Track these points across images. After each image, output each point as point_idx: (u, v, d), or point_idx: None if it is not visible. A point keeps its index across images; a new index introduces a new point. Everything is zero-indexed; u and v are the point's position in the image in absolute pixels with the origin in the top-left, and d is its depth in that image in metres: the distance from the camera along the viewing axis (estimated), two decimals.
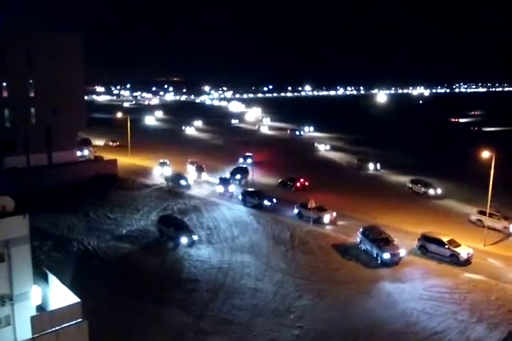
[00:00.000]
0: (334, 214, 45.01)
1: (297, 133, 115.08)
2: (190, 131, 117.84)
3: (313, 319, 27.28)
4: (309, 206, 43.21)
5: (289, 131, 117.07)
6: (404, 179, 60.59)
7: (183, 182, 57.85)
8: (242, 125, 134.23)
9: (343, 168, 73.51)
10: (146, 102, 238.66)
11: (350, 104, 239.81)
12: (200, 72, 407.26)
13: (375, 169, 69.83)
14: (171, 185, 57.86)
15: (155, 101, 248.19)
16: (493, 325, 26.58)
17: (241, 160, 72.70)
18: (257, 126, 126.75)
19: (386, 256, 34.21)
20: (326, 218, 44.39)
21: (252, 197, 49.88)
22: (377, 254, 35.01)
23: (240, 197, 51.04)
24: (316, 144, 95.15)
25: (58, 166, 57.91)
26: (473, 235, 40.25)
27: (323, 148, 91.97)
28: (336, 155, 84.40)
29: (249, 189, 53.17)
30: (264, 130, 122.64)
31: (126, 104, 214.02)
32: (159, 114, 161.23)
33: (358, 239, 38.30)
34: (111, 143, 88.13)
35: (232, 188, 53.96)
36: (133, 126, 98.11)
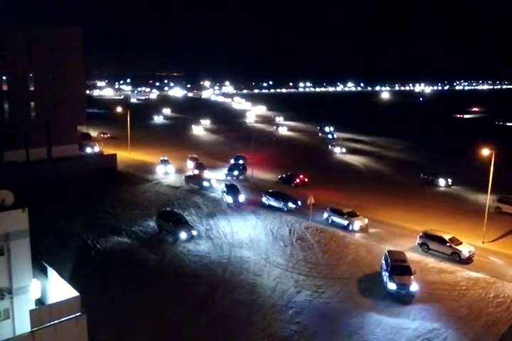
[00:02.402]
0: (366, 220, 42.06)
1: (329, 135, 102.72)
2: (198, 130, 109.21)
3: (311, 314, 27.33)
4: (308, 202, 43.02)
5: (320, 134, 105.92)
6: (484, 197, 47.87)
7: (205, 184, 54.96)
8: (257, 125, 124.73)
9: (402, 182, 61.00)
10: (144, 97, 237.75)
11: (355, 101, 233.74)
12: (200, 67, 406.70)
13: (447, 185, 58.69)
14: (193, 186, 55.34)
15: (153, 95, 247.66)
16: (492, 322, 26.66)
17: (232, 161, 67.68)
18: (274, 127, 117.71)
19: (391, 286, 29.53)
20: (356, 225, 41.20)
21: (276, 199, 47.25)
22: (385, 283, 30.56)
23: (263, 198, 48.53)
24: (330, 146, 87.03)
25: (58, 160, 57.87)
26: (472, 232, 40.30)
27: (338, 151, 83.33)
28: (361, 161, 75.97)
29: (272, 190, 50.22)
30: (283, 131, 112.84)
31: (133, 100, 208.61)
32: (167, 111, 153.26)
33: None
34: (102, 135, 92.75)
35: (242, 198, 48.58)
36: (139, 123, 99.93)
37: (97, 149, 73.96)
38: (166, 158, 66.28)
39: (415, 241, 37.71)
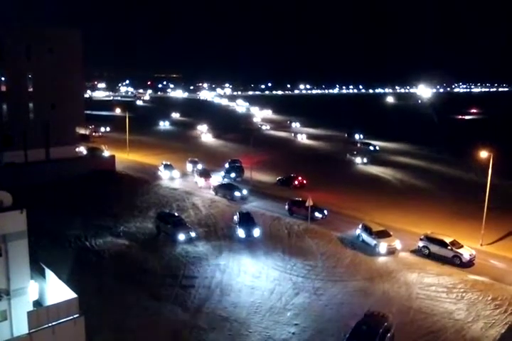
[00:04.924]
0: (397, 242, 36.82)
1: (371, 147, 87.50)
2: (206, 137, 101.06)
3: (309, 317, 27.30)
4: (307, 204, 42.94)
5: (358, 145, 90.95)
6: None
7: (237, 194, 50.54)
8: (273, 132, 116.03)
9: None
10: (137, 98, 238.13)
11: (361, 104, 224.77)
12: (198, 69, 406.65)
13: None
14: (222, 197, 51.18)
15: (147, 97, 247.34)
16: (489, 324, 26.67)
17: (227, 165, 64.09)
18: (292, 134, 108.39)
19: None
20: (382, 247, 36.23)
21: (299, 208, 44.66)
22: None
23: (286, 207, 46.25)
24: (348, 156, 77.25)
25: (56, 161, 57.74)
26: (469, 234, 40.28)
27: (359, 161, 74.19)
28: (391, 173, 66.53)
29: (297, 198, 46.98)
30: (302, 138, 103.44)
31: (139, 102, 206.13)
32: (176, 115, 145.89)
33: None
34: (94, 134, 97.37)
35: (258, 232, 39.76)
36: (144, 129, 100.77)
37: (107, 154, 69.92)
38: (168, 163, 63.82)
39: None
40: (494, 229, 41.11)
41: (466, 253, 35.00)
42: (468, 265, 34.65)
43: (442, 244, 35.85)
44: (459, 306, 28.70)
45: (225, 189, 52.02)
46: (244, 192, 51.63)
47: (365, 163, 73.51)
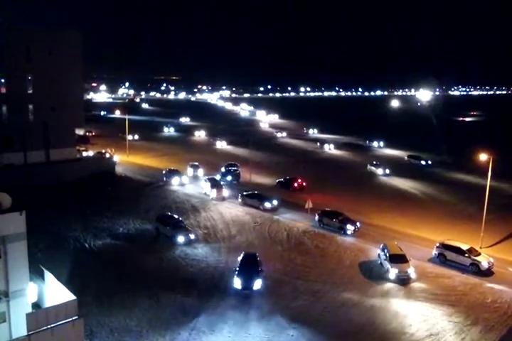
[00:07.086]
0: (411, 270, 32.52)
1: (423, 162, 78.23)
2: (221, 144, 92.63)
3: (309, 319, 27.23)
4: (306, 206, 42.92)
5: (406, 158, 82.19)
6: None
7: (267, 205, 47.88)
8: (290, 140, 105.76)
9: None
10: (129, 99, 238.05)
11: (366, 108, 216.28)
12: (198, 71, 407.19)
13: None
14: (249, 207, 48.61)
15: (139, 99, 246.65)
16: (489, 327, 26.63)
17: (223, 169, 63.11)
18: (318, 144, 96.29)
19: None
20: (392, 273, 32.38)
21: (331, 219, 42.36)
22: None
23: (316, 217, 43.77)
24: (368, 166, 72.15)
25: (56, 163, 57.71)
26: (467, 236, 40.13)
27: (380, 172, 68.91)
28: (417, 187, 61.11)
29: (328, 209, 44.30)
30: (330, 149, 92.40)
31: (145, 106, 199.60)
32: (186, 119, 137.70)
33: None
34: (88, 133, 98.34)
35: (259, 283, 30.83)
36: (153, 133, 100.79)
37: (116, 158, 67.98)
38: (174, 168, 61.68)
39: None
40: (493, 231, 41.10)
41: (484, 261, 34.04)
42: (487, 274, 33.58)
43: (459, 251, 34.74)
44: (459, 308, 28.63)
45: (255, 199, 49.23)
46: (275, 202, 48.63)
47: (387, 175, 68.58)
